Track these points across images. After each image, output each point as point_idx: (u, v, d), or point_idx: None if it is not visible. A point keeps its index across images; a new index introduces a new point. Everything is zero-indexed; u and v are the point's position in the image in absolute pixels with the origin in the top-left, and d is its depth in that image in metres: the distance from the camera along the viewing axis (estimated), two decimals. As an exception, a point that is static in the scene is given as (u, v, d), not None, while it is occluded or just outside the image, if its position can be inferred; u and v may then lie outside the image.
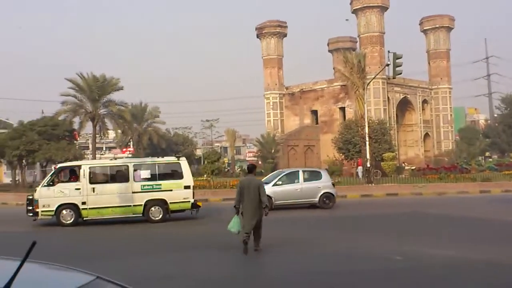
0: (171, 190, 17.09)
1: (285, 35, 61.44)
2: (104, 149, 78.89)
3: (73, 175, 17.14)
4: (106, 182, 17.31)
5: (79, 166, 17.15)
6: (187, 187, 17.26)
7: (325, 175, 21.70)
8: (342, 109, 55.99)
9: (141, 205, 16.83)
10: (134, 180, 16.86)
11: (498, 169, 42.00)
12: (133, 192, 16.79)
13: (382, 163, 41.27)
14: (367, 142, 33.79)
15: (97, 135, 41.45)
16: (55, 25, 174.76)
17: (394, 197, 26.38)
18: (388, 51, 30.38)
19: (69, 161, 37.70)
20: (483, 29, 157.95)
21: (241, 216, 10.90)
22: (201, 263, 10.03)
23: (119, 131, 45.63)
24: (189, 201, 17.24)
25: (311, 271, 8.91)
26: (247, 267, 10.09)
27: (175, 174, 17.44)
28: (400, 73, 30.17)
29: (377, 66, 48.80)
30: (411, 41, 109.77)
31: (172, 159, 18.28)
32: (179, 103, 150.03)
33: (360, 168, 38.92)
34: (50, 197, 16.53)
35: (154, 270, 9.23)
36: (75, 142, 42.29)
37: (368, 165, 32.91)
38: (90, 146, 47.70)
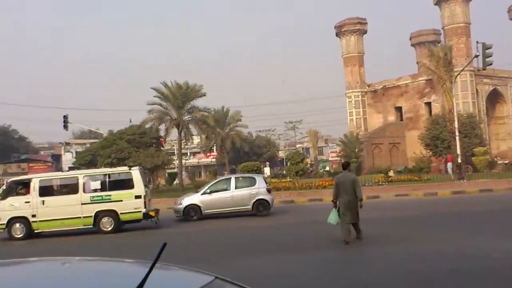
0: (121, 201, 16.82)
1: (365, 32, 60.35)
2: (188, 154, 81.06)
3: (25, 188, 17.08)
4: (56, 194, 17.22)
5: (30, 180, 17.17)
6: (138, 197, 16.89)
7: (260, 181, 20.45)
8: (428, 105, 54.14)
9: (91, 216, 16.66)
10: (84, 191, 16.73)
11: None
12: (82, 204, 16.62)
13: (473, 158, 39.51)
14: (457, 137, 32.41)
15: (182, 141, 42.52)
16: (134, 37, 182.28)
17: (488, 193, 25.09)
18: (477, 42, 29.11)
19: (158, 166, 39.17)
20: None
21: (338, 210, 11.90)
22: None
23: (203, 136, 46.59)
24: (140, 211, 16.91)
25: (409, 270, 8.63)
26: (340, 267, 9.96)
27: (126, 184, 17.08)
28: (491, 64, 28.81)
29: (463, 58, 46.76)
30: (498, 30, 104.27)
31: (123, 169, 18.15)
32: (259, 106, 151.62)
33: (449, 164, 37.39)
34: (1, 210, 16.59)
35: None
36: (162, 148, 43.59)
37: (459, 161, 31.54)
38: (176, 152, 49.07)
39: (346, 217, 11.72)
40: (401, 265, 9.17)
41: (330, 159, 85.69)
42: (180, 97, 40.08)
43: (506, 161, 43.39)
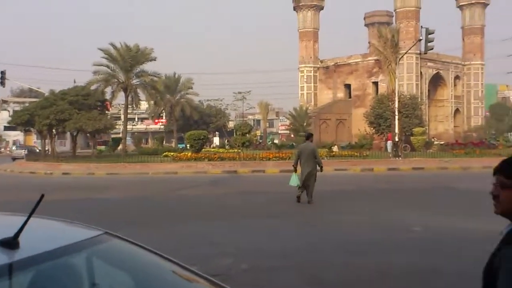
0: None
1: (321, 8, 60.94)
2: (136, 119, 79.91)
3: None
4: None
5: None
6: None
7: None
8: (375, 84, 55.68)
9: None
10: None
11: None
12: None
13: (412, 137, 41.16)
14: (397, 117, 33.79)
15: (129, 106, 41.56)
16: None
17: (420, 171, 26.50)
18: (421, 26, 30.18)
19: (100, 130, 38.26)
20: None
21: (299, 174, 13.78)
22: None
23: (152, 102, 45.90)
24: None
25: (343, 239, 9.36)
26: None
27: None
28: (432, 49, 29.97)
29: (411, 41, 48.09)
30: (448, 16, 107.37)
31: None
32: (211, 74, 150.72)
33: (389, 142, 38.90)
34: None
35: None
36: (106, 112, 42.60)
37: (396, 139, 32.97)
38: (122, 116, 48.33)
39: (305, 182, 13.55)
40: (335, 235, 9.84)
41: (280, 131, 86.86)
42: (129, 59, 39.01)
43: (442, 142, 45.47)
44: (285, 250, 8.32)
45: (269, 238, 9.52)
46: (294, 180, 13.86)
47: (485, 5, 58.97)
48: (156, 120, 73.57)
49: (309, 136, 14.42)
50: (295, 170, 14.01)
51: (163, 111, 61.42)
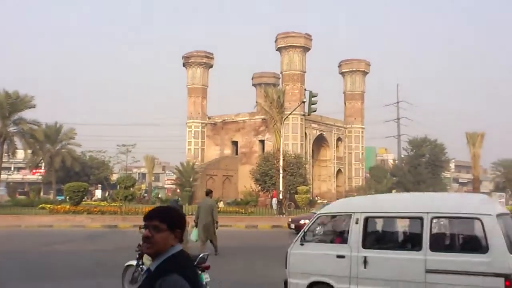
0: None
1: (211, 66, 62.17)
2: (12, 169, 75.06)
3: None
4: None
5: None
6: None
7: None
8: (262, 142, 57.08)
9: None
10: None
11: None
12: None
13: (296, 195, 42.27)
14: (281, 175, 34.65)
15: (5, 154, 39.33)
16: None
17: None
18: (305, 89, 31.65)
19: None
20: (396, 75, 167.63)
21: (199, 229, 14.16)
22: None
23: (29, 151, 43.43)
24: None
25: None
26: None
27: None
28: (315, 111, 31.35)
29: (296, 102, 50.23)
30: (331, 82, 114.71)
31: None
32: (96, 125, 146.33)
33: (274, 200, 39.66)
34: None
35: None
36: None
37: (281, 197, 33.68)
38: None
39: (203, 236, 14.21)
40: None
41: (165, 186, 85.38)
42: (7, 106, 37.24)
43: (325, 201, 47.15)
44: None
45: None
46: (194, 235, 14.17)
47: (365, 73, 63.90)
48: (34, 171, 69.29)
49: (208, 193, 15.17)
50: (196, 225, 14.37)
51: (42, 161, 58.08)
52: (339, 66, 64.62)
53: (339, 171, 61.95)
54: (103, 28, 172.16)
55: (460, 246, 7.27)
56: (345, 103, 64.29)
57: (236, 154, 59.25)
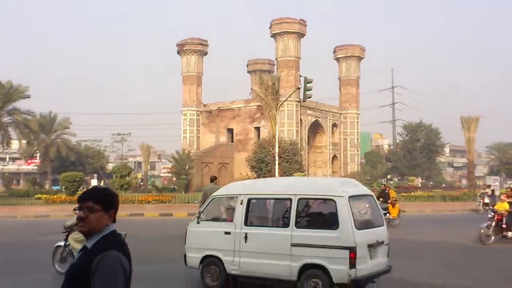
0: None
1: (205, 53, 61.86)
2: (7, 159, 74.85)
3: None
4: None
5: None
6: None
7: None
8: (257, 129, 57.07)
9: None
10: None
11: (397, 191, 44.43)
12: None
13: (292, 182, 42.27)
14: (277, 161, 34.67)
15: (-1, 145, 39.23)
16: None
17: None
18: (300, 75, 31.49)
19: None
20: (391, 60, 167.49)
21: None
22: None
23: (24, 141, 43.26)
24: None
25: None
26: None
27: None
28: (310, 97, 31.22)
29: (291, 89, 50.18)
30: (326, 67, 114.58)
31: None
32: (90, 115, 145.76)
33: (270, 187, 39.72)
34: None
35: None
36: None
37: (276, 184, 33.68)
38: (-9, 156, 45.04)
39: None
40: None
41: (161, 174, 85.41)
42: (1, 96, 36.99)
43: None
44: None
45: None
46: None
47: (360, 58, 63.70)
48: (29, 161, 69.10)
49: (213, 179, 15.17)
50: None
51: (37, 151, 57.89)
52: (334, 51, 64.43)
53: (334, 157, 62.08)
54: (97, 16, 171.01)
55: (319, 223, 8.25)
56: (340, 89, 64.23)
57: (232, 141, 59.24)
